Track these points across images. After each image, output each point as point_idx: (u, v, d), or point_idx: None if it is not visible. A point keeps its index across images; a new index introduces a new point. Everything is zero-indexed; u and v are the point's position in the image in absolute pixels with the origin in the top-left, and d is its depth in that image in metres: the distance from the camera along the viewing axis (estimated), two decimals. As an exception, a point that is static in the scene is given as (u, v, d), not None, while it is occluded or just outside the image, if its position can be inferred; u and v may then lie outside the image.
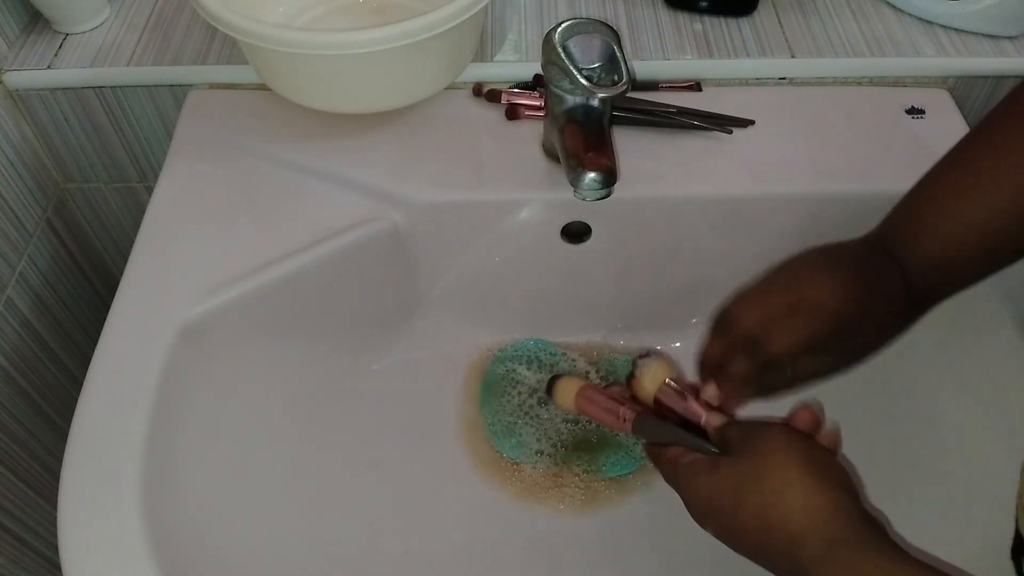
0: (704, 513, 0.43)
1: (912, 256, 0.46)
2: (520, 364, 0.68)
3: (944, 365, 0.60)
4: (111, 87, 0.68)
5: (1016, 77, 0.69)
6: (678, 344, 0.69)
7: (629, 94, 0.64)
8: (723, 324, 0.48)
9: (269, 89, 0.64)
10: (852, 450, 0.62)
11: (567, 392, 0.55)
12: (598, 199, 0.54)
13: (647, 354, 0.54)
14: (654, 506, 0.61)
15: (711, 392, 0.48)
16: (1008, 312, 0.56)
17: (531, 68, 0.67)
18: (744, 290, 0.47)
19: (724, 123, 0.64)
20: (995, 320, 0.56)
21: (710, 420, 0.47)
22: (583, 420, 0.65)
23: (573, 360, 0.68)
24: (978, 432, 0.56)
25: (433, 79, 0.62)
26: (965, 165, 0.45)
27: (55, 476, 0.47)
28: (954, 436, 0.58)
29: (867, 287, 0.45)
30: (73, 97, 0.68)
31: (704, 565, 0.57)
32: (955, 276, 0.46)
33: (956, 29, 0.70)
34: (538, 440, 0.64)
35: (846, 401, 0.64)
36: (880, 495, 0.59)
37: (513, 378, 0.67)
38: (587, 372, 0.68)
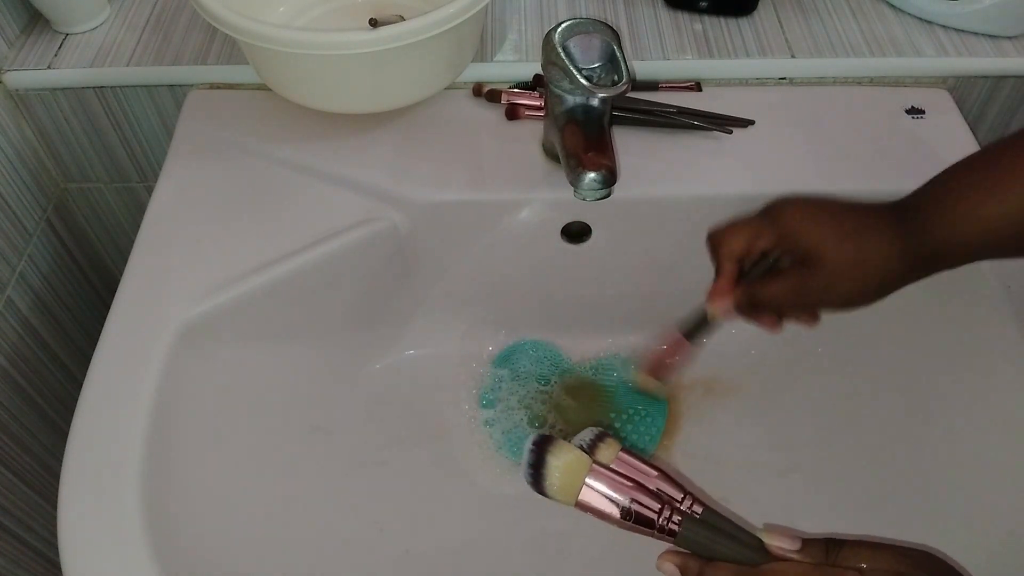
0: None
1: (934, 226, 0.45)
2: (521, 364, 0.68)
3: (945, 366, 0.60)
4: (111, 87, 0.68)
5: (1016, 77, 0.69)
6: (678, 344, 0.69)
7: (629, 94, 0.64)
8: (712, 244, 0.52)
9: (269, 89, 0.64)
10: (855, 452, 0.62)
11: (570, 476, 0.42)
12: (598, 199, 0.54)
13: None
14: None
15: None
16: (1009, 311, 0.56)
17: (531, 68, 0.67)
18: (736, 222, 0.50)
19: (724, 123, 0.64)
20: (997, 320, 0.56)
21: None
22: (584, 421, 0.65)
23: (572, 360, 0.68)
24: (980, 433, 0.56)
25: (433, 79, 0.62)
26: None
27: (55, 476, 0.47)
28: (955, 436, 0.58)
29: (853, 238, 0.46)
30: (73, 97, 0.68)
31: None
32: (976, 254, 0.46)
33: (956, 29, 0.70)
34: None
35: (848, 404, 0.64)
36: (882, 497, 0.59)
37: (514, 378, 0.67)
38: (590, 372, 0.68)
